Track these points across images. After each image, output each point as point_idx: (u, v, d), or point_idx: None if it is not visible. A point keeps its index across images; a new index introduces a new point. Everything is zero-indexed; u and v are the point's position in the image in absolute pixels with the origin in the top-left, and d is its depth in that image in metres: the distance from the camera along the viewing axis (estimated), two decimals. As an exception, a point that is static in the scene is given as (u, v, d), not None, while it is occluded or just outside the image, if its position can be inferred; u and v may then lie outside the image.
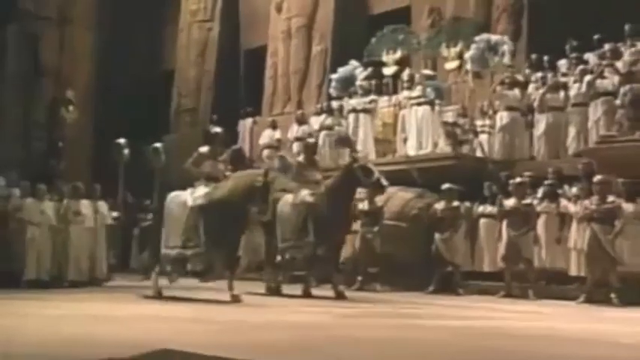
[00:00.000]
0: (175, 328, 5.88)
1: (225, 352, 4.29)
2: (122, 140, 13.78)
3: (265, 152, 14.64)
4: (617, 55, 11.83)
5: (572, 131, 11.62)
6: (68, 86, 13.64)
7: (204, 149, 8.83)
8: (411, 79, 12.54)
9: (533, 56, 12.86)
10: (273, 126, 14.92)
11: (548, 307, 9.16)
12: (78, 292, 9.89)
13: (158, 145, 15.48)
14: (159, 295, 8.61)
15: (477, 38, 12.20)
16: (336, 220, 9.20)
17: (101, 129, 15.00)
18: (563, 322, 7.30)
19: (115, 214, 12.94)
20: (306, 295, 9.30)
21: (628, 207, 9.44)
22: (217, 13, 18.04)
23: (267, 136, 14.80)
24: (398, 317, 7.42)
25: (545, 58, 12.56)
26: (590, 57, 12.22)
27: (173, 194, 8.71)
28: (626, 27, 11.94)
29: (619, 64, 11.34)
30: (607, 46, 11.84)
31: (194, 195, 8.38)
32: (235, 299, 8.13)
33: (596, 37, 12.14)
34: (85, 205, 10.95)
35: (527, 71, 12.84)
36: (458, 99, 13.23)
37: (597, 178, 9.53)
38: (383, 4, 15.88)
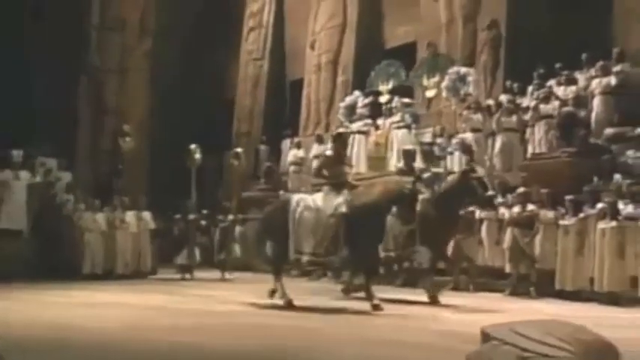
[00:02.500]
0: (126, 315, 7.05)
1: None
2: (193, 145, 13.74)
3: (291, 168, 15.95)
4: (571, 81, 12.30)
5: (530, 148, 12.17)
6: (126, 121, 15.68)
7: (329, 152, 8.01)
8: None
9: (507, 83, 13.44)
10: (298, 146, 16.18)
11: (474, 298, 9.69)
12: (116, 283, 11.56)
13: (239, 150, 16.96)
14: (289, 305, 7.64)
15: (449, 70, 12.94)
16: (444, 227, 8.49)
17: (168, 149, 16.66)
18: (448, 313, 7.70)
19: (191, 216, 13.67)
20: (434, 304, 8.39)
21: (549, 213, 10.04)
22: (267, 53, 19.52)
23: (292, 154, 16.09)
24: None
25: (515, 85, 13.10)
26: (553, 83, 12.68)
27: (296, 197, 7.82)
28: (583, 56, 12.36)
29: (560, 90, 11.85)
30: (562, 74, 12.35)
31: (334, 202, 7.44)
32: (377, 308, 7.27)
33: (557, 65, 12.57)
34: (129, 215, 12.71)
35: (502, 96, 13.41)
36: (447, 121, 14.01)
37: (519, 189, 10.23)
38: (395, 40, 16.68)
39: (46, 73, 14.59)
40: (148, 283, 11.66)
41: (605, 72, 11.65)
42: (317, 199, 7.57)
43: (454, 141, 12.52)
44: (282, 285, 7.73)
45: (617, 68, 11.60)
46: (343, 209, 7.32)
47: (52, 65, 14.47)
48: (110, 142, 15.62)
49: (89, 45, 15.66)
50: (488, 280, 10.79)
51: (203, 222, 15.04)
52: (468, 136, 12.28)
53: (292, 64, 19.27)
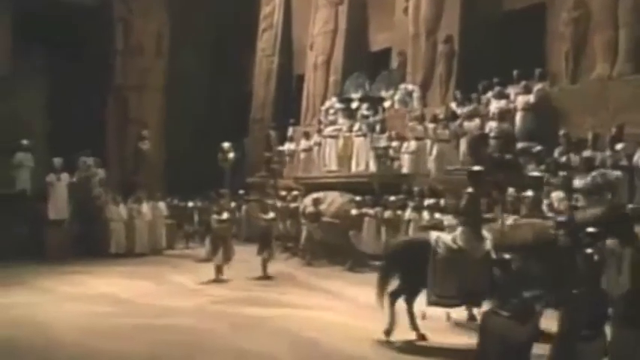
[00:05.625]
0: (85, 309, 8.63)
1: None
2: (227, 144, 13.08)
3: (287, 159, 17.68)
4: (502, 95, 13.14)
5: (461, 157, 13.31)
6: (145, 128, 17.93)
7: (471, 190, 7.43)
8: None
9: (456, 93, 14.41)
10: (291, 139, 17.87)
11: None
12: (133, 261, 13.86)
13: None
14: (388, 334, 7.28)
15: (400, 86, 14.17)
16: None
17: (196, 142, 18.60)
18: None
19: (225, 215, 12.16)
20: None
21: (452, 221, 11.40)
22: (277, 50, 21.07)
23: (286, 146, 17.77)
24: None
25: (459, 95, 13.98)
26: (490, 96, 13.50)
27: (434, 236, 7.28)
28: (514, 72, 12.83)
29: (492, 107, 12.81)
30: (496, 89, 13.17)
31: (480, 244, 6.97)
32: None
33: (495, 80, 13.22)
34: (145, 206, 15.02)
35: (452, 104, 14.35)
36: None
37: (428, 200, 11.64)
38: (377, 45, 17.88)
39: (81, 92, 16.88)
40: (153, 264, 13.65)
41: (527, 90, 12.43)
42: (457, 239, 7.10)
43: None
44: (393, 315, 7.32)
45: (537, 87, 12.37)
46: (493, 255, 6.77)
47: (86, 85, 16.76)
48: (133, 146, 17.97)
49: (114, 68, 17.94)
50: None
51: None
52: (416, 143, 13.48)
53: (298, 60, 20.72)
